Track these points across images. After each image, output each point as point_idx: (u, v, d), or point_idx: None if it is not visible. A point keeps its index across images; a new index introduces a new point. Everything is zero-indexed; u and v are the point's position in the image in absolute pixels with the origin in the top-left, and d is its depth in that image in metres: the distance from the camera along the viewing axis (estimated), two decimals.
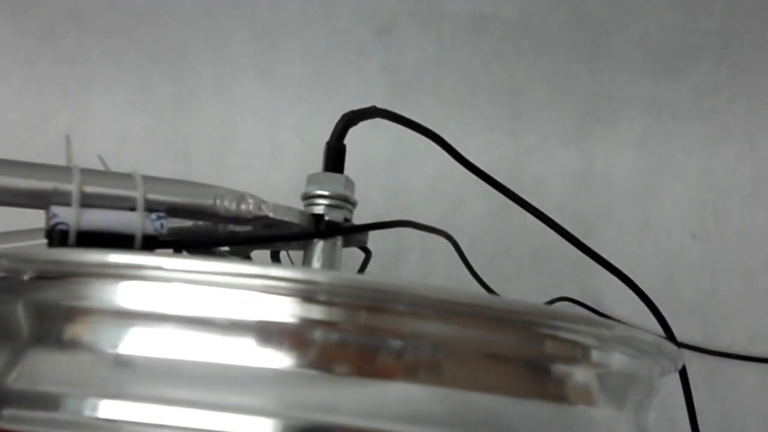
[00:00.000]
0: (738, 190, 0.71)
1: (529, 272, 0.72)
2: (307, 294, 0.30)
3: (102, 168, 0.47)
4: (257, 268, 0.30)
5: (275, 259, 0.62)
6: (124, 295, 0.31)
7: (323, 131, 0.84)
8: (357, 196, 0.47)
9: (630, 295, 0.46)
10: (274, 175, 0.80)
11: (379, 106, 0.49)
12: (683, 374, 0.48)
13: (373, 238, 0.48)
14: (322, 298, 0.30)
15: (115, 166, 0.83)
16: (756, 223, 0.70)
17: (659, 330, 0.47)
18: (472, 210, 0.73)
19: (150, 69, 0.84)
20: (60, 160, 0.42)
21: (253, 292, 0.30)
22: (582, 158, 0.73)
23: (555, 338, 0.32)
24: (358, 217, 0.49)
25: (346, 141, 0.47)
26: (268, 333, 0.30)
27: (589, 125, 0.73)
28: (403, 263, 0.74)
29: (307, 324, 0.30)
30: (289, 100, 0.80)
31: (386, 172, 0.77)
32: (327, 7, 0.76)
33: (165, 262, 0.30)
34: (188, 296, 0.30)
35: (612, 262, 0.47)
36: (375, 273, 0.60)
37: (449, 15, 0.72)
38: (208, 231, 0.46)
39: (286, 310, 0.30)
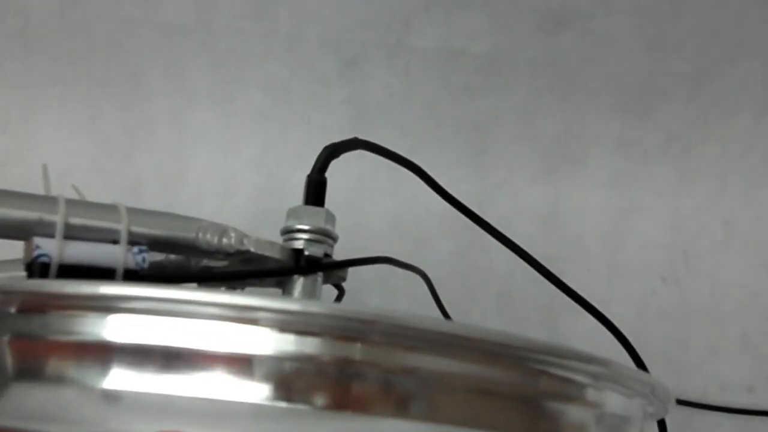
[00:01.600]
0: (709, 233, 0.72)
1: (494, 316, 0.71)
2: (292, 325, 0.30)
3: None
4: (250, 299, 0.30)
5: None
6: (109, 328, 0.31)
7: (280, 164, 0.83)
8: None
9: (601, 340, 0.47)
10: (227, 209, 0.79)
11: (342, 138, 0.49)
12: (662, 423, 0.47)
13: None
14: (313, 329, 0.30)
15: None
16: (727, 267, 0.71)
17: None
18: (436, 250, 0.73)
19: (100, 96, 0.83)
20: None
21: (242, 325, 0.30)
22: (549, 197, 0.73)
23: (548, 375, 0.32)
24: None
25: (298, 176, 0.47)
26: (259, 366, 0.30)
27: (557, 163, 0.74)
28: (388, 295, 0.72)
29: (293, 357, 0.30)
30: (246, 131, 0.79)
31: (346, 208, 0.74)
32: (291, 37, 0.75)
33: (152, 292, 0.30)
34: (174, 328, 0.30)
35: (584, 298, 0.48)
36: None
37: (418, 49, 0.73)
38: (181, 266, 0.46)
39: (273, 343, 0.30)
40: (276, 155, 0.77)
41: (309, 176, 0.47)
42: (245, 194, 0.78)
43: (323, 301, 0.35)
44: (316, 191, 0.47)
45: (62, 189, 0.84)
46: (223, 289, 0.53)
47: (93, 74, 0.81)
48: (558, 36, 0.69)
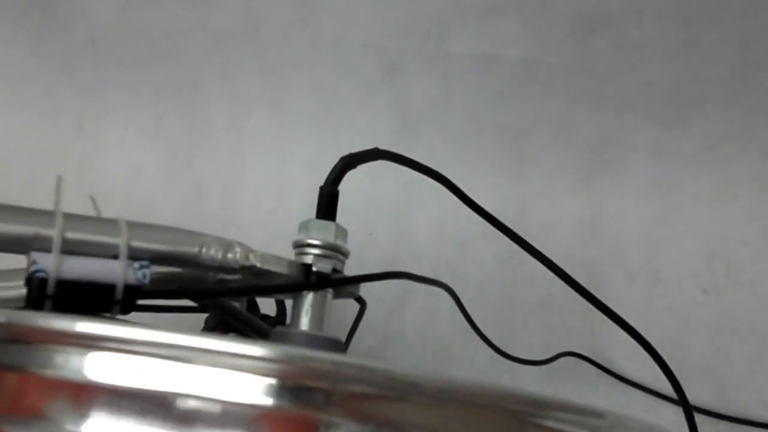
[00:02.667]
0: (749, 243, 0.69)
1: (534, 324, 0.70)
2: (277, 372, 0.29)
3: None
4: (240, 346, 0.28)
5: (281, 310, 0.61)
6: (91, 366, 0.30)
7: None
8: (361, 238, 0.45)
9: (639, 349, 0.45)
10: (283, 211, 0.80)
11: (386, 144, 0.48)
12: None
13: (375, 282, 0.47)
14: (320, 384, 0.29)
15: (128, 201, 0.86)
16: None
17: (670, 389, 0.45)
18: (479, 255, 0.72)
19: (164, 101, 0.85)
20: (74, 194, 0.42)
21: (232, 372, 0.29)
22: (589, 205, 0.72)
23: (544, 428, 0.31)
24: (363, 260, 0.48)
25: (352, 180, 0.46)
26: (246, 416, 0.29)
27: (596, 170, 0.72)
28: (407, 308, 0.73)
29: (288, 407, 0.29)
30: (300, 135, 0.80)
31: (393, 214, 0.76)
32: (335, 43, 0.76)
33: (138, 334, 0.29)
34: (160, 371, 0.29)
35: (620, 314, 0.46)
36: (376, 320, 0.60)
37: (455, 55, 0.72)
38: (197, 278, 0.45)
39: (263, 392, 0.29)
40: (329, 158, 0.78)
41: (321, 188, 0.45)
42: (300, 197, 0.78)
43: (314, 352, 0.32)
44: (327, 204, 0.45)
45: (133, 193, 0.88)
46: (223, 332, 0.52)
47: (156, 80, 0.83)
48: (591, 42, 0.67)
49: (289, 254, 0.45)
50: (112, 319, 0.36)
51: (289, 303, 0.61)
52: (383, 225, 0.76)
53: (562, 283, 0.48)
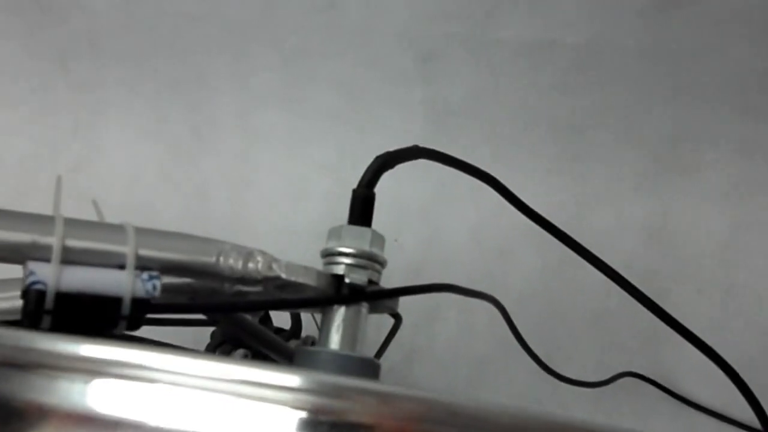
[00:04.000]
0: None
1: (587, 341, 0.69)
2: (305, 404, 0.27)
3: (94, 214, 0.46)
4: (264, 373, 0.27)
5: (296, 322, 0.60)
6: (95, 395, 0.28)
7: (355, 171, 0.82)
8: (389, 243, 0.44)
9: (711, 371, 0.43)
10: (298, 217, 0.79)
11: (419, 141, 0.47)
12: None
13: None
14: (363, 419, 0.27)
15: (127, 207, 0.84)
16: None
17: (743, 415, 0.43)
18: (522, 264, 0.71)
19: (167, 98, 0.85)
20: (71, 196, 0.41)
21: (258, 403, 0.27)
22: (656, 208, 0.70)
23: None
24: (388, 269, 0.46)
25: (380, 180, 0.45)
26: None
27: (665, 171, 0.70)
28: (437, 321, 0.72)
29: None
30: (318, 134, 0.79)
31: (423, 217, 0.75)
32: (363, 32, 0.75)
33: (149, 359, 0.28)
34: (174, 402, 0.27)
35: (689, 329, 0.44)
36: (401, 333, 0.57)
37: (503, 41, 0.71)
38: (211, 289, 0.44)
39: (295, 428, 0.27)
40: (351, 160, 0.77)
41: (355, 191, 0.44)
42: (317, 201, 0.78)
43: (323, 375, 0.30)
44: (362, 208, 0.44)
45: (132, 196, 0.87)
46: (240, 353, 0.51)
47: (159, 74, 0.83)
48: (665, 21, 0.66)
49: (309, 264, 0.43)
50: (120, 340, 0.33)
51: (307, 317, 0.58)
52: (411, 230, 0.75)
53: (619, 295, 0.47)
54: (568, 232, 0.49)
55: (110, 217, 0.88)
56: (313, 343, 0.63)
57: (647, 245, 0.69)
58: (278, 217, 0.79)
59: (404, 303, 0.51)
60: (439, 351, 0.71)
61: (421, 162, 0.47)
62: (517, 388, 0.68)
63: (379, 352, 0.53)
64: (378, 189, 0.45)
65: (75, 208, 0.44)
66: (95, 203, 0.44)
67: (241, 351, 0.55)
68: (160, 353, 0.28)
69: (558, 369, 0.59)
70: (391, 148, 0.45)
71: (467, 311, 0.70)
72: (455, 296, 0.64)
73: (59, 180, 0.41)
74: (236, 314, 0.50)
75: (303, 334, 0.62)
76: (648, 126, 0.71)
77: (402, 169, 0.47)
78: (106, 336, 0.33)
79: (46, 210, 0.38)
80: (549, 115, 0.72)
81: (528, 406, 0.28)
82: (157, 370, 0.28)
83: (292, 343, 0.59)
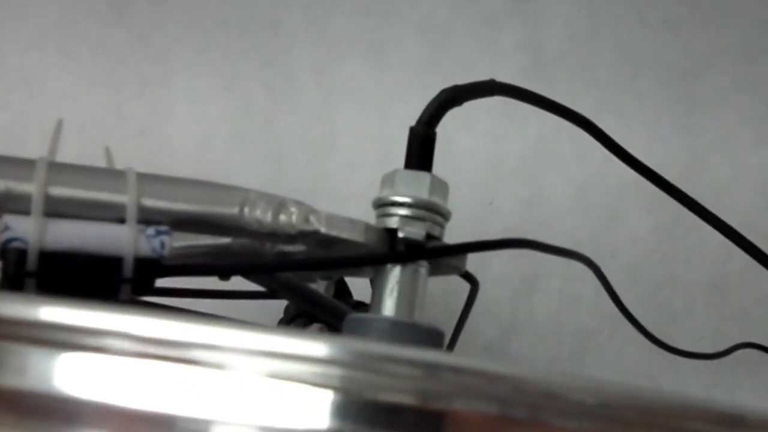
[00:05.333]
0: None
1: (702, 308, 0.67)
2: (355, 385, 0.23)
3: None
4: (279, 339, 0.23)
5: (340, 291, 0.57)
6: (68, 373, 0.24)
7: (444, 126, 0.82)
8: (480, 209, 0.42)
9: None
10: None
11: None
12: None
13: (498, 258, 0.44)
14: (406, 399, 0.23)
15: (197, 170, 0.85)
16: None
17: None
18: (631, 227, 0.69)
19: (238, 54, 0.84)
20: (136, 164, 0.39)
21: (274, 381, 0.24)
22: None
23: None
24: (483, 235, 0.45)
25: (467, 138, 0.42)
26: None
27: None
28: (538, 291, 0.70)
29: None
30: (403, 86, 0.78)
31: (521, 176, 0.73)
32: None
33: (135, 326, 0.23)
34: (172, 381, 0.24)
35: None
36: (497, 306, 0.57)
37: None
38: (252, 250, 0.40)
39: (319, 411, 0.23)
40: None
41: (413, 129, 0.41)
42: (402, 161, 0.77)
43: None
44: (421, 149, 0.40)
45: (203, 161, 0.88)
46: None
47: (227, 24, 0.82)
48: None
49: None
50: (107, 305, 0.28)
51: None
52: (508, 192, 0.74)
53: (740, 258, 0.46)
54: (682, 188, 0.48)
55: None
56: None
57: None
58: (362, 180, 0.78)
59: (500, 273, 0.50)
60: (539, 324, 0.70)
61: (518, 113, 0.45)
62: (628, 364, 0.66)
63: (459, 324, 0.49)
64: (468, 146, 0.43)
65: None
66: (107, 150, 0.41)
67: (316, 325, 0.53)
68: (148, 318, 0.24)
69: (672, 340, 0.57)
70: (485, 101, 0.43)
71: (570, 279, 0.69)
72: (556, 263, 0.63)
73: (59, 123, 0.37)
74: (299, 286, 0.47)
75: None
76: None
77: (496, 121, 0.45)
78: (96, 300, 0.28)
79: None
80: (658, 57, 0.71)
81: (613, 381, 0.25)
82: (144, 340, 0.24)
83: None
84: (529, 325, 0.71)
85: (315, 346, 0.23)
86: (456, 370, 0.23)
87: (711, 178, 0.68)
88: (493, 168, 0.74)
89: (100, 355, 0.24)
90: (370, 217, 0.81)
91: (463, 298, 0.50)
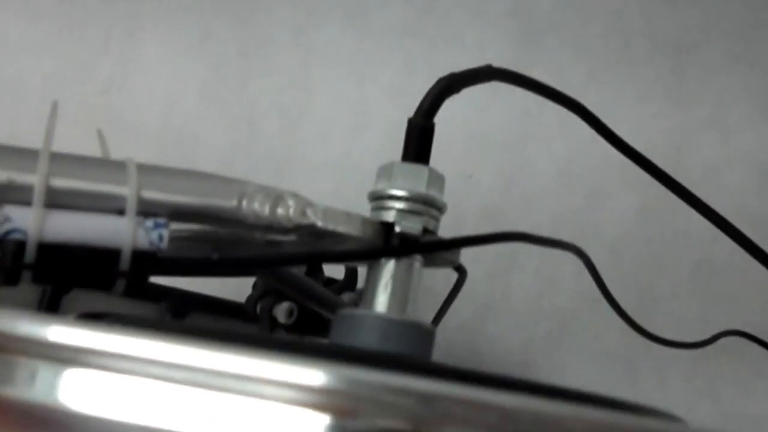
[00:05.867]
0: None
1: (687, 293, 0.66)
2: (348, 410, 0.24)
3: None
4: (277, 367, 0.23)
5: (350, 273, 0.58)
6: (71, 388, 0.25)
7: (422, 94, 0.81)
8: (458, 182, 0.42)
9: None
10: (358, 149, 0.77)
11: (501, 61, 0.44)
12: None
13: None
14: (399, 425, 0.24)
15: (164, 133, 0.83)
16: None
17: None
18: (616, 206, 0.68)
19: (212, 11, 0.83)
20: (101, 121, 0.39)
21: (269, 403, 0.24)
22: None
23: None
24: (460, 210, 0.43)
25: (450, 109, 0.42)
26: None
27: None
28: (515, 271, 0.69)
29: None
30: (384, 52, 0.77)
31: (504, 151, 0.72)
32: None
33: (139, 348, 0.24)
34: (164, 400, 0.24)
35: None
36: (473, 286, 0.55)
37: None
38: (238, 237, 0.41)
39: None
40: (419, 83, 0.74)
41: (411, 121, 0.41)
42: (380, 131, 0.75)
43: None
44: (419, 142, 0.41)
45: (169, 121, 0.86)
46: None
47: None
48: None
49: (364, 208, 0.41)
50: (103, 323, 0.30)
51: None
52: (488, 165, 0.73)
53: (726, 243, 0.47)
54: (670, 169, 0.48)
55: (145, 146, 0.86)
56: None
57: (761, 185, 0.66)
58: (336, 149, 0.77)
59: (476, 251, 0.49)
60: (515, 305, 0.69)
61: (503, 85, 0.45)
62: (605, 349, 0.66)
63: (441, 310, 0.51)
64: (449, 116, 0.43)
65: (107, 135, 0.43)
66: (100, 133, 0.41)
67: (285, 305, 0.54)
68: (148, 340, 0.24)
69: (655, 326, 0.56)
70: (466, 66, 0.42)
71: (549, 259, 0.68)
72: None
73: (54, 107, 0.37)
74: (291, 275, 0.49)
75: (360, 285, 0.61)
76: (765, 43, 0.67)
77: (480, 92, 0.45)
78: (88, 318, 0.30)
79: (71, 145, 0.35)
80: (651, 30, 0.70)
81: (604, 411, 0.26)
82: (142, 360, 0.24)
83: (346, 297, 0.57)
84: (504, 305, 0.70)
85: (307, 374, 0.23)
86: (448, 399, 0.23)
87: (701, 158, 0.67)
88: (474, 140, 0.74)
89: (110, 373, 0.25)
90: (344, 191, 0.79)
91: (439, 278, 0.50)
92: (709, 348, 0.61)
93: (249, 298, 0.56)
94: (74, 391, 0.25)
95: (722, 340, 0.61)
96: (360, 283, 0.58)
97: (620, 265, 0.67)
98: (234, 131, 0.81)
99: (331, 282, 0.58)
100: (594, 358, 0.66)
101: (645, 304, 0.62)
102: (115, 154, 0.37)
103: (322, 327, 0.55)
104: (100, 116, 0.82)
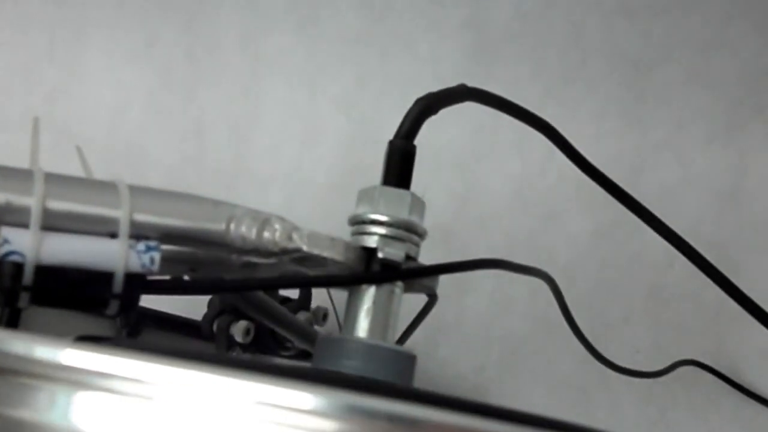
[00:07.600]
0: None
1: (640, 319, 0.66)
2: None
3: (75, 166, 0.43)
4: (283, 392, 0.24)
5: (305, 292, 0.59)
6: (82, 410, 0.26)
7: (377, 106, 0.81)
8: None
9: None
10: (307, 161, 0.77)
11: (455, 76, 0.47)
12: None
13: (427, 254, 0.44)
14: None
15: (111, 143, 0.83)
16: None
17: None
18: (570, 227, 0.69)
19: (158, 17, 0.83)
20: (45, 131, 0.38)
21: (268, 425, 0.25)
22: (731, 162, 0.66)
23: None
24: None
25: (398, 122, 0.42)
26: None
27: (745, 116, 0.67)
28: (469, 293, 0.70)
29: None
30: (335, 62, 0.77)
31: (457, 170, 0.72)
32: None
33: (148, 372, 0.26)
34: (176, 421, 0.26)
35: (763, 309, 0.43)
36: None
37: None
38: (217, 259, 0.42)
39: None
40: (371, 94, 0.75)
41: (392, 143, 0.41)
42: (331, 143, 0.76)
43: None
44: (400, 165, 0.41)
45: (115, 132, 0.85)
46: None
47: None
48: None
49: (316, 224, 0.41)
50: (112, 346, 0.31)
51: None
52: (442, 183, 0.73)
53: (682, 267, 0.48)
54: (626, 189, 0.48)
55: (90, 157, 0.85)
56: (325, 316, 0.62)
57: (719, 208, 0.66)
58: (285, 161, 0.77)
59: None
60: (468, 328, 0.69)
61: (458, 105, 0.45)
62: (559, 376, 0.66)
63: (406, 333, 0.51)
64: None
65: (50, 145, 0.42)
66: (80, 150, 0.42)
67: (243, 323, 0.55)
68: (158, 365, 0.26)
69: (608, 351, 0.58)
70: (420, 78, 0.42)
71: (504, 282, 0.68)
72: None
73: (36, 122, 0.38)
74: (265, 303, 0.49)
75: (313, 305, 0.61)
76: (729, 62, 0.67)
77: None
78: (95, 341, 0.30)
79: (16, 153, 0.35)
80: (609, 45, 0.70)
81: None
82: (152, 384, 0.26)
83: (301, 316, 0.59)
84: (457, 328, 0.70)
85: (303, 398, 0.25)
86: (436, 426, 0.25)
87: (659, 178, 0.68)
88: (426, 158, 0.73)
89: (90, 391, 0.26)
90: (294, 205, 0.78)
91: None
92: (666, 379, 0.62)
93: (205, 316, 0.57)
94: (86, 413, 0.26)
95: (679, 370, 0.62)
96: (315, 301, 0.59)
97: (574, 289, 0.66)
98: (182, 143, 0.81)
99: (286, 300, 0.59)
100: (547, 384, 0.67)
101: (597, 329, 0.62)
102: (65, 168, 0.37)
103: (277, 346, 0.58)
104: (45, 125, 0.81)
